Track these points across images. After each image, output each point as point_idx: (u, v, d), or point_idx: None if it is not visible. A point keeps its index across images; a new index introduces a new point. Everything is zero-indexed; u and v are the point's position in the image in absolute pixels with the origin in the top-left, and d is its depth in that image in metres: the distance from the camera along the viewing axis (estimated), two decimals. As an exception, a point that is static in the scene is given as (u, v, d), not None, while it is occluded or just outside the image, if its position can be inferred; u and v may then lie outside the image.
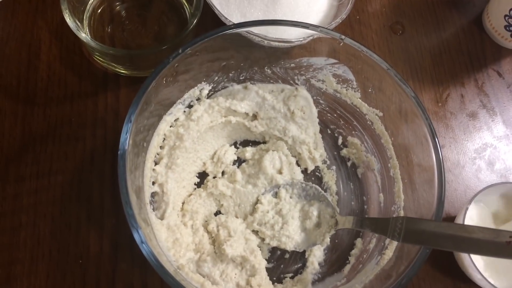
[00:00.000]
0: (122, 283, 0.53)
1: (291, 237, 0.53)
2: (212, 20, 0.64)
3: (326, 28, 0.53)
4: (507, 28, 0.67)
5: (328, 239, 0.53)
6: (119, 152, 0.44)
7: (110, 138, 0.60)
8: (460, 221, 0.53)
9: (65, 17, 0.56)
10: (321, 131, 0.61)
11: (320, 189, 0.56)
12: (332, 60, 0.56)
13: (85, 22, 0.63)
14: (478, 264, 0.51)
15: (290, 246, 0.53)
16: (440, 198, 0.46)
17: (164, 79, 0.50)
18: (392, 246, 0.50)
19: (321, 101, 0.61)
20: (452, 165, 0.64)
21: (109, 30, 0.64)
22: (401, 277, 0.44)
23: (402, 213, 0.53)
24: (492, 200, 0.57)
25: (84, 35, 0.57)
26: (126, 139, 0.45)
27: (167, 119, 0.54)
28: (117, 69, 0.62)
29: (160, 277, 0.53)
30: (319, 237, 0.53)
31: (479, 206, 0.56)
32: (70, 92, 0.61)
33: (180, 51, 0.49)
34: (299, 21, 0.54)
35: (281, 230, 0.54)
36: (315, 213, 0.54)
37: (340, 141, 0.61)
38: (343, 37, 0.52)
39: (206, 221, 0.55)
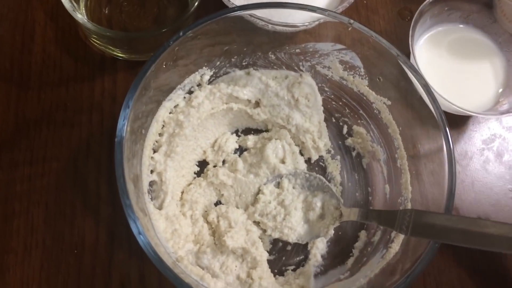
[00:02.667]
0: (118, 273, 0.52)
1: (294, 228, 0.52)
2: (214, 3, 0.61)
3: (334, 12, 0.51)
4: (519, 15, 0.65)
5: (332, 231, 0.52)
6: (116, 139, 0.42)
7: (107, 124, 0.57)
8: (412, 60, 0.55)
9: (60, -4, 0.53)
10: (325, 120, 0.59)
11: (324, 179, 0.54)
12: (339, 46, 0.53)
13: (82, 3, 0.60)
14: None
15: (292, 238, 0.52)
16: (450, 190, 0.45)
17: (164, 63, 0.47)
18: (398, 240, 0.48)
19: (326, 89, 0.59)
20: (460, 156, 0.62)
21: (106, 11, 0.62)
22: (409, 272, 0.42)
23: (409, 206, 0.51)
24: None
25: (81, 17, 0.54)
26: (124, 125, 0.43)
27: (167, 105, 0.52)
28: (114, 53, 0.60)
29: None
30: (322, 229, 0.51)
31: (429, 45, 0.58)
32: (66, 76, 0.59)
33: (181, 34, 0.47)
34: (305, 4, 0.51)
35: (283, 222, 0.52)
36: (318, 204, 0.52)
37: (345, 130, 0.59)
38: (351, 21, 0.50)
39: (206, 211, 0.53)
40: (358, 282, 0.47)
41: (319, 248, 0.53)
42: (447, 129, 0.47)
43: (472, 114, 0.58)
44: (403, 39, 0.67)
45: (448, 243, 0.42)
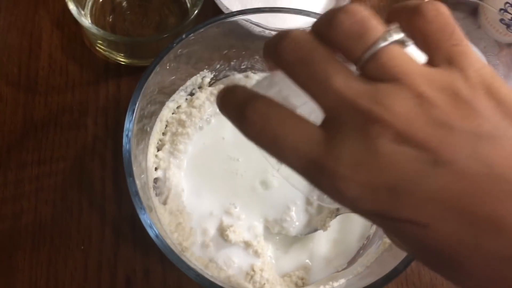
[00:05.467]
0: (124, 268, 0.53)
1: (293, 222, 0.54)
2: (212, 12, 0.64)
3: (327, 16, 0.54)
4: (502, 21, 0.68)
5: (329, 224, 0.54)
6: (124, 136, 0.45)
7: (111, 126, 0.60)
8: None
9: (67, 3, 0.56)
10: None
11: (321, 175, 0.56)
12: (334, 49, 0.56)
13: (87, 11, 0.63)
14: None
15: (292, 231, 0.54)
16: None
17: (168, 64, 0.50)
18: (393, 230, 0.50)
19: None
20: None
21: (110, 19, 0.64)
22: (403, 257, 0.44)
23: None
24: None
25: (87, 22, 0.57)
26: (131, 121, 0.45)
27: (170, 105, 0.55)
28: (118, 58, 0.62)
29: (162, 263, 0.54)
30: (320, 222, 0.53)
31: None
32: (72, 81, 0.61)
33: (184, 36, 0.49)
34: (300, 8, 0.54)
35: (282, 216, 0.54)
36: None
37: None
38: (345, 25, 0.52)
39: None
40: (355, 271, 0.49)
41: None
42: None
43: None
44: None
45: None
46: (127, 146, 0.44)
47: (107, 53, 0.62)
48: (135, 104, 0.46)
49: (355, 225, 0.55)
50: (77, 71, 0.62)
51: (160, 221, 0.48)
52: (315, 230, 0.54)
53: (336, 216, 0.53)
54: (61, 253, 0.53)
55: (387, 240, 0.50)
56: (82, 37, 0.64)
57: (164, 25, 0.65)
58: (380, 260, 0.49)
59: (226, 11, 0.60)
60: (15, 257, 0.53)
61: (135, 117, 0.46)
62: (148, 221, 0.42)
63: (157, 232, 0.42)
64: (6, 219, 0.54)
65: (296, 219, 0.54)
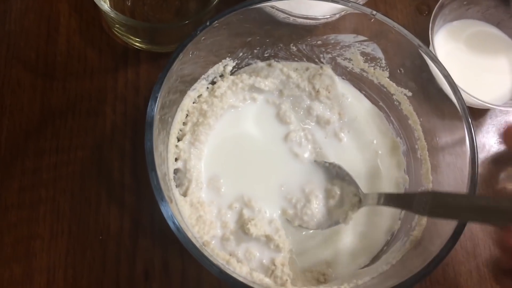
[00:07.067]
0: (142, 260, 0.52)
1: (314, 216, 0.52)
2: (234, -2, 0.62)
3: (357, 3, 0.52)
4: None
5: (351, 218, 0.52)
6: (146, 124, 0.43)
7: (130, 114, 0.58)
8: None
9: (87, -13, 0.55)
10: (345, 111, 0.59)
11: (343, 167, 0.54)
12: (361, 38, 0.54)
13: (106, -5, 0.61)
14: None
15: (312, 225, 0.52)
16: (473, 178, 0.45)
17: (190, 52, 0.48)
18: (420, 228, 0.49)
19: (346, 80, 0.59)
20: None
21: (129, 3, 0.63)
22: (433, 256, 0.42)
23: (430, 195, 0.51)
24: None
25: (106, 6, 0.55)
26: (154, 110, 0.44)
27: (191, 94, 0.53)
28: (137, 44, 0.61)
29: (181, 255, 0.53)
30: (341, 216, 0.52)
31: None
32: (90, 67, 0.60)
33: (208, 23, 0.47)
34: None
35: (303, 209, 0.52)
36: (338, 192, 0.53)
37: (364, 122, 0.60)
38: (374, 12, 0.50)
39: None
40: (380, 269, 0.48)
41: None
42: (469, 119, 0.47)
43: (492, 106, 0.58)
44: (421, 34, 0.67)
45: (467, 222, 0.43)
46: (149, 135, 0.43)
47: (125, 38, 0.61)
48: (158, 93, 0.44)
49: (380, 220, 0.53)
50: (95, 57, 0.60)
51: (181, 213, 0.47)
52: (336, 223, 0.52)
53: (358, 209, 0.51)
54: (79, 243, 0.53)
55: (413, 238, 0.49)
56: (101, 22, 0.62)
57: (185, 9, 0.63)
58: (406, 259, 0.47)
59: (249, -3, 0.58)
60: (33, 247, 0.52)
61: (157, 106, 0.44)
62: (169, 213, 0.41)
63: (178, 224, 0.41)
64: (24, 207, 0.53)
65: (317, 213, 0.53)
